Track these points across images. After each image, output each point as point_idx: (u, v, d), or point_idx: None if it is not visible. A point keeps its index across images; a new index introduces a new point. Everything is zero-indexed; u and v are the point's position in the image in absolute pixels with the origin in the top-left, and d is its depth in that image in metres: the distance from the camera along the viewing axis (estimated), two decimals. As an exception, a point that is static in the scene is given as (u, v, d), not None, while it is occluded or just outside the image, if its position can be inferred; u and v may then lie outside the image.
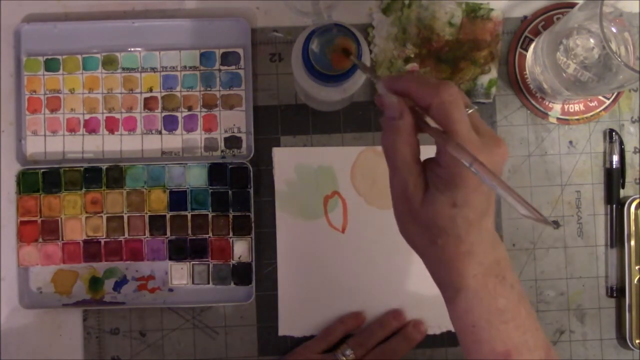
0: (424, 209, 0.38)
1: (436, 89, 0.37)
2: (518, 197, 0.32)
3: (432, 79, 0.38)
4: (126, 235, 0.58)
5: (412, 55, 0.58)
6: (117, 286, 0.58)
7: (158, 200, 0.58)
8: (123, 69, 0.59)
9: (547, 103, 0.59)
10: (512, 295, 0.40)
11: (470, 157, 0.34)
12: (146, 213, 0.58)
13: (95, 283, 0.58)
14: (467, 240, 0.38)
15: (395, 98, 0.38)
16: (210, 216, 0.58)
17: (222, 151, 0.59)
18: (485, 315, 0.39)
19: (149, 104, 0.59)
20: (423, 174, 0.39)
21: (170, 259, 0.58)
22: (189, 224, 0.58)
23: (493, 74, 0.58)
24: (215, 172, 0.58)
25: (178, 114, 0.59)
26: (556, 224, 0.32)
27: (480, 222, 0.38)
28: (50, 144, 0.59)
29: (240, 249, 0.58)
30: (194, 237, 0.58)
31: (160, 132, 0.59)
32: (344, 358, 0.55)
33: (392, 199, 0.40)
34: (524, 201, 0.32)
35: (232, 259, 0.58)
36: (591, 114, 0.59)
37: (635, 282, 0.58)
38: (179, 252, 0.58)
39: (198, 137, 0.59)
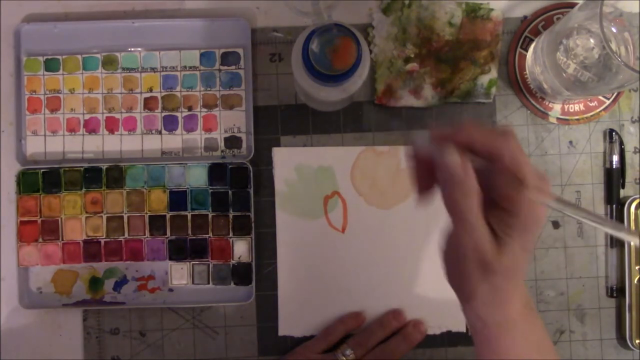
0: (500, 258, 0.37)
1: (504, 137, 0.36)
2: (611, 224, 0.33)
3: (489, 126, 0.38)
4: (126, 235, 0.58)
5: (412, 55, 0.58)
6: (117, 286, 0.58)
7: (158, 200, 0.58)
8: (123, 69, 0.59)
9: (547, 103, 0.59)
10: (540, 324, 0.40)
11: (556, 199, 0.34)
12: (146, 213, 0.58)
13: (95, 283, 0.58)
14: (521, 278, 0.38)
15: (458, 158, 0.36)
16: (210, 216, 0.58)
17: (222, 151, 0.59)
18: (526, 350, 0.39)
19: (149, 104, 0.59)
20: (487, 222, 0.37)
21: (170, 259, 0.58)
22: (189, 224, 0.58)
23: (493, 74, 0.58)
24: (215, 172, 0.58)
25: (178, 114, 0.59)
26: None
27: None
28: (50, 144, 0.59)
29: (240, 249, 0.58)
30: (194, 237, 0.58)
31: (160, 132, 0.59)
32: (344, 358, 0.55)
33: (457, 253, 0.38)
34: (618, 227, 0.32)
35: (232, 259, 0.58)
36: (591, 114, 0.59)
37: (635, 282, 0.58)
38: (179, 252, 0.58)
39: (198, 137, 0.59)
